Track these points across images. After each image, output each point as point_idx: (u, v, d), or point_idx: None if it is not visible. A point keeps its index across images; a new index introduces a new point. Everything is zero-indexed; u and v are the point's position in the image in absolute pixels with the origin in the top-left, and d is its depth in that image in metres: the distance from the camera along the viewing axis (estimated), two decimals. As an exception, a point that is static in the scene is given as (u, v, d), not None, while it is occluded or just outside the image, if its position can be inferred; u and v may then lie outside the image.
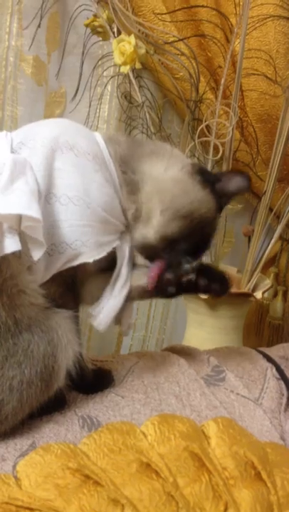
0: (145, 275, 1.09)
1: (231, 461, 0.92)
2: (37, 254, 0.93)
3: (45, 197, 0.95)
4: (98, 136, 1.08)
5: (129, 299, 1.18)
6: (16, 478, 0.86)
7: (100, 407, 1.07)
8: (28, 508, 0.81)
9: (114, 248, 1.04)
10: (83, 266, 1.00)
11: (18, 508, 0.81)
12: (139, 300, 1.31)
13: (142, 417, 1.04)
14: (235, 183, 1.11)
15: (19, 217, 0.90)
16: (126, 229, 1.07)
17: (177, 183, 1.07)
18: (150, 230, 1.05)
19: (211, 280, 1.18)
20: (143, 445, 0.93)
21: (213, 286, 1.19)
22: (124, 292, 1.09)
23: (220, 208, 1.13)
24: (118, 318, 1.18)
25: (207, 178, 1.10)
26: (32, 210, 0.90)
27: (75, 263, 0.99)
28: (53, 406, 1.02)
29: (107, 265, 1.07)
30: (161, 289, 1.10)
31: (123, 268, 1.08)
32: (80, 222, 0.98)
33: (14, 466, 0.89)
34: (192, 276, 1.18)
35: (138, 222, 1.06)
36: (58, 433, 0.99)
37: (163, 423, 0.96)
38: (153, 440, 0.93)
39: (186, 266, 1.08)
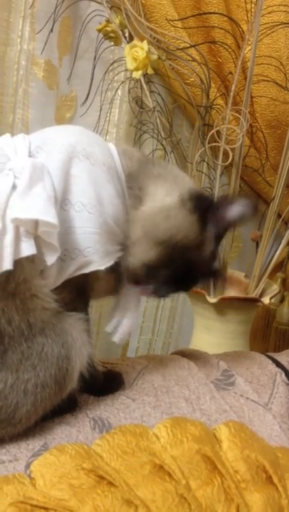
0: None
1: (243, 465, 0.93)
2: (51, 258, 0.93)
3: (61, 203, 0.96)
4: (112, 148, 1.08)
5: None
6: (30, 477, 0.87)
7: (111, 409, 1.08)
8: (43, 508, 0.81)
9: (119, 259, 1.04)
10: (95, 273, 1.00)
11: (33, 507, 0.81)
12: None
13: (153, 420, 1.05)
14: (232, 211, 1.06)
15: (36, 222, 0.90)
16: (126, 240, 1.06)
17: (163, 211, 1.05)
18: (132, 258, 1.04)
19: None
20: (156, 447, 0.93)
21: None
22: (140, 305, 1.10)
23: (218, 236, 1.09)
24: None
25: (200, 205, 1.06)
26: (49, 215, 0.90)
27: (87, 270, 0.99)
28: (65, 408, 1.02)
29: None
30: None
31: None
32: (93, 229, 0.98)
33: (27, 466, 0.90)
34: None
35: (128, 244, 1.05)
36: (69, 434, 1.00)
37: (175, 426, 0.97)
38: (166, 442, 0.94)
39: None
